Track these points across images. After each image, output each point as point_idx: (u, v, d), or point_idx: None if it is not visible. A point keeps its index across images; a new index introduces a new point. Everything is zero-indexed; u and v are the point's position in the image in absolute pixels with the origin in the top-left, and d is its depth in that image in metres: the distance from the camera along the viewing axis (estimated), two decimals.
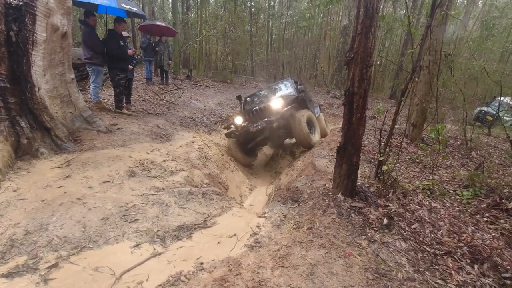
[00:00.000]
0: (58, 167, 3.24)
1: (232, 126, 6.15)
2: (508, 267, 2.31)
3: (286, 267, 2.07)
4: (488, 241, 2.71)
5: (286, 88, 6.97)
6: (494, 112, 9.08)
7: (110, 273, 2.00)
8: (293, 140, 6.44)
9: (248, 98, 7.64)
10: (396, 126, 4.96)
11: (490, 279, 2.18)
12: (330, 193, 3.21)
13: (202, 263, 2.17)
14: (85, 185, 2.98)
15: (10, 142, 3.03)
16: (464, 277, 2.20)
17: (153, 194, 3.03)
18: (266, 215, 2.98)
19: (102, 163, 3.47)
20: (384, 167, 3.40)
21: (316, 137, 6.02)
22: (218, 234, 2.61)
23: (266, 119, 5.62)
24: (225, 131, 6.36)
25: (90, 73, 5.68)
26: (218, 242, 2.50)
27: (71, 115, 4.03)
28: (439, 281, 2.10)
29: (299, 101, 6.34)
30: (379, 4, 2.60)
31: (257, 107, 5.99)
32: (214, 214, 2.94)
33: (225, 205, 3.13)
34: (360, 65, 2.67)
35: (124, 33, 6.10)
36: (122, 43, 5.74)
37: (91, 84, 5.70)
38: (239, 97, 7.27)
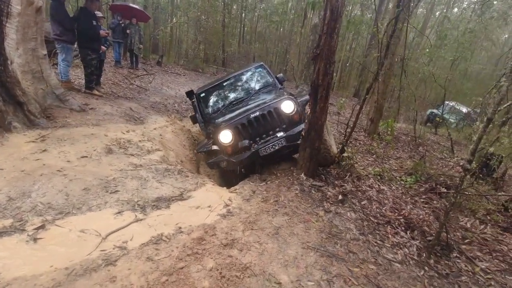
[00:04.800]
0: (33, 142, 3.27)
1: (213, 147, 3.93)
2: (433, 234, 2.86)
3: (255, 229, 2.43)
4: (421, 216, 3.28)
5: (262, 78, 4.99)
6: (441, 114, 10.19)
7: (95, 234, 2.20)
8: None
9: (206, 95, 4.96)
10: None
11: (418, 241, 2.73)
12: (294, 174, 3.61)
13: (180, 228, 2.44)
14: (63, 159, 3.08)
15: None
16: (398, 239, 2.73)
17: (131, 170, 3.21)
18: (237, 191, 3.31)
19: (78, 140, 3.54)
20: (345, 154, 3.87)
21: (334, 148, 4.10)
22: (193, 206, 2.89)
23: (283, 133, 3.82)
24: (201, 154, 4.32)
25: (59, 51, 5.47)
26: (194, 212, 2.77)
27: (42, 92, 3.99)
28: (378, 241, 2.59)
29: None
30: (343, 8, 2.99)
31: (257, 114, 3.85)
32: (190, 189, 3.20)
33: (199, 181, 3.40)
34: (324, 61, 3.06)
35: (98, 13, 5.96)
36: (94, 22, 5.61)
37: (60, 62, 5.51)
38: (189, 94, 4.87)
